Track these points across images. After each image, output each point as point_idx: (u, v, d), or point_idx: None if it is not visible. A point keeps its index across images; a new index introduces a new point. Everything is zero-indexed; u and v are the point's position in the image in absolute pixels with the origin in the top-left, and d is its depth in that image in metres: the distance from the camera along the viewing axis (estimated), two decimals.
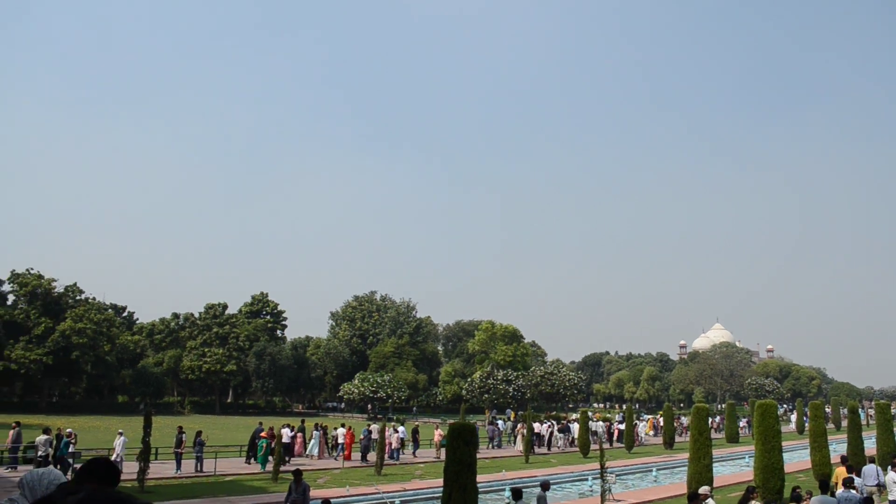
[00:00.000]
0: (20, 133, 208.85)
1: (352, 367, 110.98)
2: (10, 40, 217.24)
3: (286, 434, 35.30)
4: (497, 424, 51.13)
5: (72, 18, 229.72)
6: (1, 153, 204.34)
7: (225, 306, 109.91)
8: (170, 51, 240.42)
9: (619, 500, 23.95)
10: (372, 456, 35.34)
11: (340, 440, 36.59)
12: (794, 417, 77.31)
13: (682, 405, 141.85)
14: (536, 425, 49.68)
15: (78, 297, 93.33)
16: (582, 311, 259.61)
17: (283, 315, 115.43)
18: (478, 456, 17.02)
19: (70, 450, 28.52)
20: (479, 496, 13.82)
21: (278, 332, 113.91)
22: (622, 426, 51.14)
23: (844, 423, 48.82)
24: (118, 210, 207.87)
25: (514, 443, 48.41)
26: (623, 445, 47.31)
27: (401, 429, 40.64)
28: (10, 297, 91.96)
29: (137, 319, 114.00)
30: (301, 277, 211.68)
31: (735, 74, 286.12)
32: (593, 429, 49.14)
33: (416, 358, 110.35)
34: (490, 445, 47.07)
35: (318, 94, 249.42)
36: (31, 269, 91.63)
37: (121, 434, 29.37)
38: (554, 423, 52.93)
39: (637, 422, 54.46)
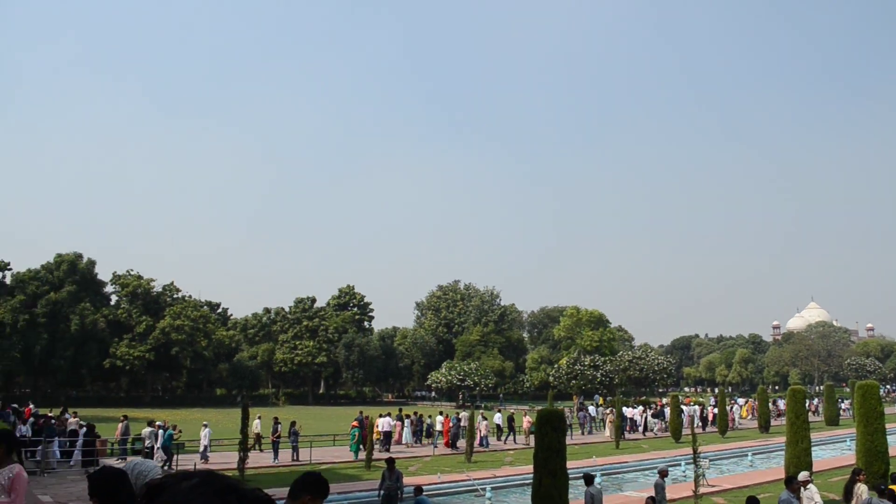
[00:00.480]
0: (114, 137, 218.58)
1: (438, 356, 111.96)
2: (100, 41, 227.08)
3: (387, 423, 36.08)
4: (588, 410, 50.75)
5: (157, 19, 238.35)
6: (98, 157, 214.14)
7: (313, 300, 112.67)
8: (253, 48, 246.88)
9: (714, 486, 23.49)
10: (462, 443, 35.68)
11: (438, 427, 37.08)
12: None
13: (776, 388, 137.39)
14: (629, 410, 49.18)
15: (175, 296, 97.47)
16: (669, 294, 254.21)
17: (370, 307, 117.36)
18: (568, 442, 16.99)
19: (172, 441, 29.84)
20: (570, 482, 13.86)
21: (366, 323, 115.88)
22: (715, 410, 49.95)
23: None
24: (209, 209, 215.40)
25: (603, 428, 48.01)
26: (716, 430, 46.23)
27: (497, 416, 40.88)
28: (113, 298, 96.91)
29: (231, 315, 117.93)
30: (385, 269, 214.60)
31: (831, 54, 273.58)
32: (689, 413, 48.26)
33: (501, 345, 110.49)
34: (582, 431, 46.86)
35: (399, 85, 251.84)
36: (131, 270, 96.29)
37: (205, 426, 30.54)
38: (647, 407, 52.18)
39: (731, 405, 53.09)
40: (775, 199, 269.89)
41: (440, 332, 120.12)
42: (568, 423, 39.42)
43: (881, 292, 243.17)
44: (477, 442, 34.67)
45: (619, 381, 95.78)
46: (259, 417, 34.21)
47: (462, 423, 37.09)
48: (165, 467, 26.79)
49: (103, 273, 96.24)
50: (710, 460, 27.31)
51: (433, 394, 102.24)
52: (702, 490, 19.90)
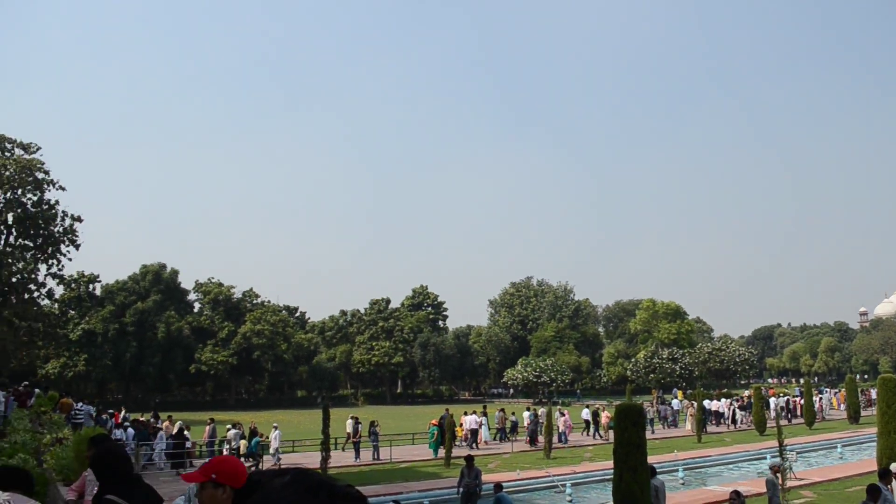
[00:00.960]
0: (191, 147, 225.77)
1: (514, 352, 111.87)
2: (179, 54, 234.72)
3: (473, 421, 36.42)
4: (671, 404, 49.96)
5: (222, 24, 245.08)
6: (177, 168, 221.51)
7: (388, 301, 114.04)
8: (325, 53, 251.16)
9: (802, 479, 22.83)
10: (540, 440, 35.61)
11: (562, 427, 37.12)
12: None
13: (866, 377, 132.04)
14: (714, 403, 48.23)
15: (255, 301, 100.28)
16: (748, 283, 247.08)
17: (444, 306, 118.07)
18: (648, 437, 16.81)
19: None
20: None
21: (440, 322, 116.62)
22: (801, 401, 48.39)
23: None
24: (284, 216, 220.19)
25: (685, 422, 47.13)
26: (803, 421, 44.78)
27: (584, 411, 40.71)
28: (196, 306, 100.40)
29: (309, 318, 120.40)
30: (458, 268, 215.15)
31: None
32: (778, 404, 47.01)
33: (577, 341, 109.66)
34: (664, 426, 46.21)
35: (467, 83, 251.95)
36: (212, 278, 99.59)
37: (276, 428, 31.28)
38: (734, 400, 50.99)
39: (817, 395, 51.34)
40: (860, 180, 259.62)
41: (514, 329, 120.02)
42: (648, 417, 38.93)
43: None
44: (555, 438, 34.58)
45: (700, 374, 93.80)
46: (351, 417, 34.97)
47: (540, 420, 37.04)
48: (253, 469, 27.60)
49: (186, 282, 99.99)
50: (798, 453, 26.54)
51: (511, 391, 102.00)
52: (789, 483, 19.39)
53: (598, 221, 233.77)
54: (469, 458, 19.33)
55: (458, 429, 36.72)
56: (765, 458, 27.77)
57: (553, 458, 30.70)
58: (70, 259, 62.01)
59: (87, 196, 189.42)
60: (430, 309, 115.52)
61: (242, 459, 28.61)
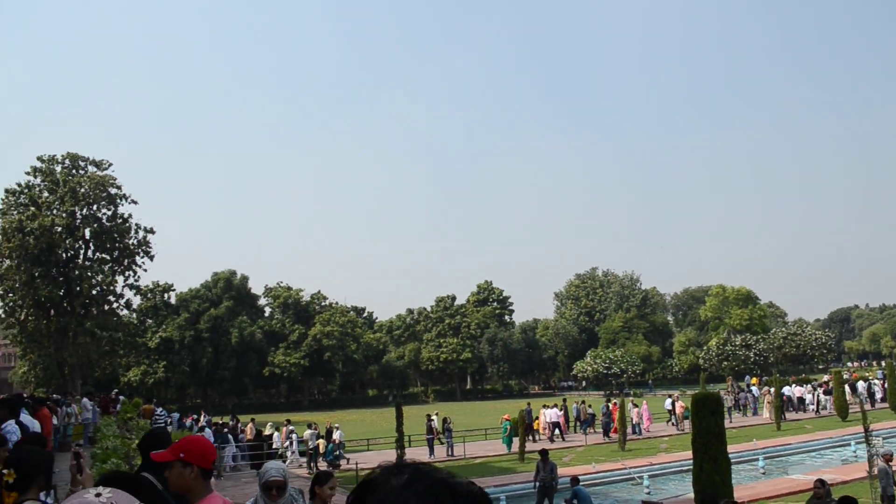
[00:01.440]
0: (249, 151, 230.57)
1: (582, 345, 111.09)
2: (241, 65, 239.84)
3: (554, 414, 36.43)
4: (752, 391, 48.95)
5: (283, 28, 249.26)
6: (242, 174, 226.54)
7: (453, 298, 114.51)
8: (379, 50, 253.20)
9: None
10: (608, 431, 35.34)
11: (636, 419, 36.83)
12: None
13: None
14: (797, 389, 47.11)
15: (323, 303, 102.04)
16: (821, 265, 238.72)
17: (509, 300, 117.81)
18: (725, 425, 16.50)
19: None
20: (731, 466, 13.51)
21: (506, 317, 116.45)
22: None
23: None
24: (348, 218, 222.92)
25: (762, 410, 46.02)
26: (887, 405, 43.19)
27: (668, 402, 40.27)
28: (267, 310, 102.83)
29: (376, 318, 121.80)
30: (521, 262, 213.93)
31: None
32: (862, 388, 45.59)
33: (646, 330, 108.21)
34: (744, 413, 45.42)
35: (524, 73, 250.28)
36: (281, 282, 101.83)
37: (337, 428, 31.68)
38: (816, 385, 49.61)
39: None
40: None
41: (582, 321, 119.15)
42: (726, 406, 38.20)
43: None
44: (629, 429, 34.24)
45: (775, 360, 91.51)
46: (437, 413, 35.43)
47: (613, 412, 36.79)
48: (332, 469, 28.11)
49: (256, 287, 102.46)
50: (884, 438, 25.69)
51: (584, 383, 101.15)
52: (876, 470, 18.78)
53: (661, 208, 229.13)
54: (544, 453, 19.33)
55: (535, 422, 36.81)
56: (849, 444, 27.01)
57: (628, 449, 30.43)
58: (145, 270, 64.32)
59: (157, 207, 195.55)
60: (495, 304, 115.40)
61: (320, 459, 29.26)
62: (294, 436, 32.02)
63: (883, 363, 78.24)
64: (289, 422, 35.23)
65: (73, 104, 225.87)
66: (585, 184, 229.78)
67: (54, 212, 58.57)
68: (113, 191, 61.31)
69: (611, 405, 38.08)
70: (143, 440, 5.88)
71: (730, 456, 13.18)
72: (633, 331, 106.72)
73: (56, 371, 62.64)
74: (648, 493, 20.78)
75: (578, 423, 39.61)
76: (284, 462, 29.70)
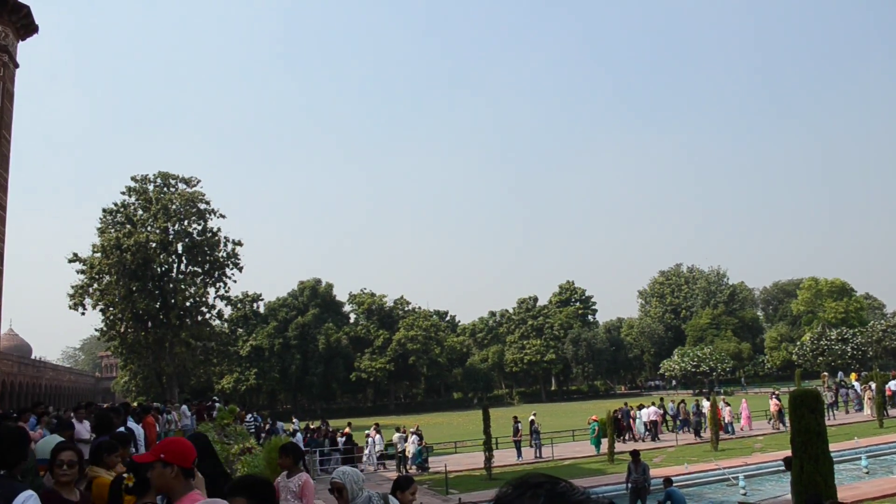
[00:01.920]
0: (328, 160, 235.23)
1: (668, 343, 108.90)
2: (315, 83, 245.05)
3: (653, 412, 35.98)
4: (854, 387, 47.03)
5: (355, 37, 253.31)
6: (321, 182, 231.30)
7: (535, 299, 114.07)
8: (450, 52, 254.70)
9: None
10: (699, 431, 34.52)
11: (728, 418, 35.92)
12: None
13: None
14: None
15: (406, 308, 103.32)
16: None
17: (592, 300, 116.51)
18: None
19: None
20: (833, 466, 13.03)
21: (589, 317, 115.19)
22: None
23: None
24: (428, 223, 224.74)
25: (861, 407, 44.13)
26: None
27: (773, 400, 39.20)
28: (352, 316, 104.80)
29: (459, 322, 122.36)
30: (603, 261, 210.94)
31: None
32: None
33: (735, 326, 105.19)
34: (846, 410, 43.75)
35: (601, 69, 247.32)
36: (365, 288, 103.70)
37: (413, 432, 31.80)
38: None
39: None
40: None
41: (667, 319, 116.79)
42: (826, 402, 36.78)
43: None
44: (721, 429, 33.37)
45: (875, 354, 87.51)
46: (535, 414, 35.58)
47: (703, 411, 35.91)
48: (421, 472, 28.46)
49: (340, 294, 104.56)
50: None
51: (673, 382, 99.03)
52: None
53: (746, 200, 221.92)
54: (635, 453, 19.08)
55: (630, 422, 36.46)
56: None
57: (721, 449, 29.68)
58: (235, 281, 66.58)
59: (243, 219, 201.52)
60: (578, 304, 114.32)
61: (409, 462, 29.62)
62: (369, 439, 32.62)
63: None
64: (377, 425, 35.86)
65: (160, 122, 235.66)
66: (666, 178, 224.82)
67: (148, 228, 61.22)
68: (202, 206, 63.71)
69: (709, 403, 37.14)
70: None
71: (831, 455, 12.72)
72: (722, 327, 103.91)
73: (155, 380, 65.47)
74: (745, 494, 20.25)
75: (677, 422, 38.73)
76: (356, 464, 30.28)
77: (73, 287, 59.12)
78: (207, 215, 64.13)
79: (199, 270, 64.13)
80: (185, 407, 30.33)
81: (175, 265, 63.51)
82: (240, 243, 65.99)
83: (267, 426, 35.34)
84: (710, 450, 29.82)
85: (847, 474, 22.24)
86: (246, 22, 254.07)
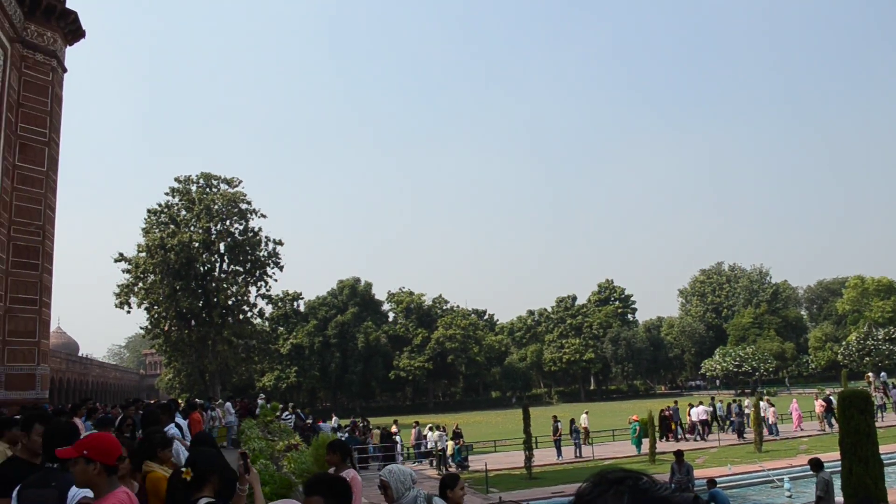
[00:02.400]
0: (365, 158, 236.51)
1: (709, 342, 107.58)
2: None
3: (702, 412, 35.73)
4: None
5: (391, 36, 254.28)
6: (358, 181, 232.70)
7: (574, 298, 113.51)
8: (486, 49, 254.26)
9: None
10: (741, 432, 34.02)
11: (772, 419, 35.35)
12: None
13: None
14: None
15: (444, 307, 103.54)
16: None
17: (632, 299, 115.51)
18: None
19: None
20: (884, 468, 12.80)
21: (629, 316, 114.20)
22: None
23: None
24: (465, 221, 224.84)
25: None
26: None
27: (818, 401, 38.52)
28: (391, 315, 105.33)
29: (497, 320, 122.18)
30: (642, 259, 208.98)
31: None
32: None
33: (778, 326, 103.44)
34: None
35: (637, 64, 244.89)
36: (403, 287, 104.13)
37: (440, 428, 31.86)
38: None
39: None
40: None
41: (708, 318, 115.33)
42: (876, 404, 35.93)
43: None
44: (766, 430, 32.88)
45: None
46: (586, 412, 35.55)
47: (746, 411, 35.41)
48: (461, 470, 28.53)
49: (379, 293, 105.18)
50: None
51: (717, 382, 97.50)
52: None
53: (789, 197, 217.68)
54: (679, 454, 18.96)
55: (689, 421, 36.22)
56: None
57: (765, 451, 29.24)
58: (276, 280, 67.39)
59: (283, 219, 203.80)
60: (617, 303, 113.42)
61: (450, 461, 29.73)
62: (398, 437, 32.86)
63: None
64: (417, 423, 36.06)
65: (204, 123, 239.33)
66: (707, 175, 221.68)
67: (191, 228, 62.21)
68: (243, 206, 64.54)
69: (751, 404, 36.59)
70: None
71: (881, 457, 12.49)
72: (765, 327, 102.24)
73: (198, 377, 66.51)
74: (790, 497, 19.97)
75: (725, 423, 38.19)
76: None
77: (118, 286, 60.36)
78: (249, 215, 64.94)
79: (241, 270, 64.97)
80: (228, 404, 30.89)
81: (217, 264, 64.44)
82: (280, 243, 66.76)
83: (308, 423, 35.79)
84: (753, 451, 29.42)
85: None
86: (289, 23, 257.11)
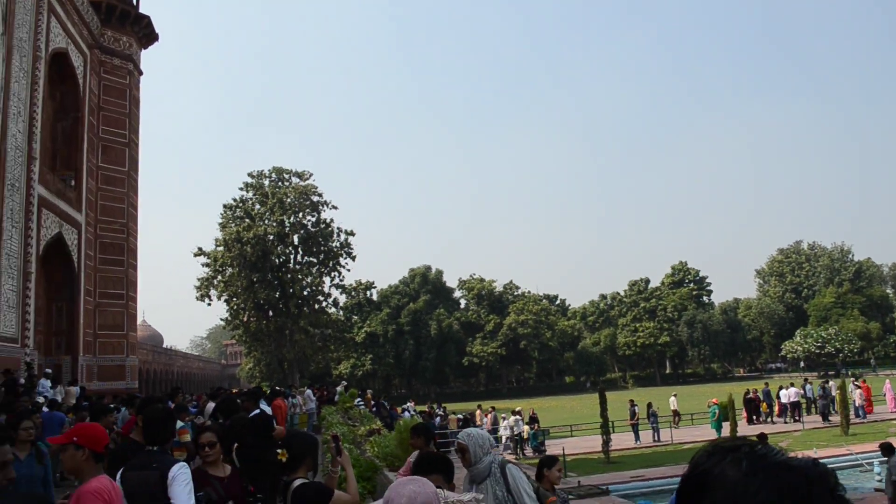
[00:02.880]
0: (432, 147, 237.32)
1: (789, 324, 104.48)
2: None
3: (794, 393, 35.06)
4: None
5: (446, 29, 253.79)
6: (426, 170, 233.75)
7: (647, 281, 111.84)
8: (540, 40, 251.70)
9: None
10: (826, 415, 33.09)
11: (858, 401, 34.45)
12: None
13: None
14: None
15: (516, 293, 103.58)
16: None
17: (707, 280, 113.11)
18: None
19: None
20: None
21: (704, 298, 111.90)
22: None
23: None
24: (535, 206, 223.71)
25: None
26: None
27: None
28: (462, 302, 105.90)
29: (569, 305, 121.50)
30: (717, 240, 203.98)
31: None
32: None
33: (862, 305, 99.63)
34: None
35: (710, 32, 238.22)
36: (474, 274, 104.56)
37: (515, 412, 31.91)
38: None
39: None
40: None
41: (788, 299, 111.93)
42: None
43: None
44: (852, 413, 31.89)
45: None
46: (675, 395, 35.48)
47: (832, 394, 34.38)
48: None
49: (450, 280, 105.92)
50: None
51: (801, 364, 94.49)
52: None
53: (870, 172, 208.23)
54: (762, 437, 18.63)
55: (763, 405, 35.48)
56: None
57: (851, 434, 28.39)
58: (349, 270, 68.60)
59: (354, 209, 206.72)
60: (692, 285, 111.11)
61: (526, 445, 29.89)
62: (485, 419, 33.33)
63: None
64: (493, 409, 36.38)
65: (275, 117, 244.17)
66: (783, 152, 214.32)
67: (266, 222, 63.81)
68: (315, 198, 65.82)
69: (828, 386, 35.57)
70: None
71: None
72: (848, 306, 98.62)
73: (277, 366, 68.35)
74: (880, 481, 19.39)
75: (815, 405, 37.11)
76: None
77: (198, 279, 62.48)
78: (320, 207, 66.17)
79: (315, 260, 66.32)
80: (309, 391, 31.77)
81: (292, 256, 65.93)
82: (352, 233, 67.80)
83: (386, 410, 36.50)
84: (839, 434, 28.61)
85: None
86: (361, 19, 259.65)
